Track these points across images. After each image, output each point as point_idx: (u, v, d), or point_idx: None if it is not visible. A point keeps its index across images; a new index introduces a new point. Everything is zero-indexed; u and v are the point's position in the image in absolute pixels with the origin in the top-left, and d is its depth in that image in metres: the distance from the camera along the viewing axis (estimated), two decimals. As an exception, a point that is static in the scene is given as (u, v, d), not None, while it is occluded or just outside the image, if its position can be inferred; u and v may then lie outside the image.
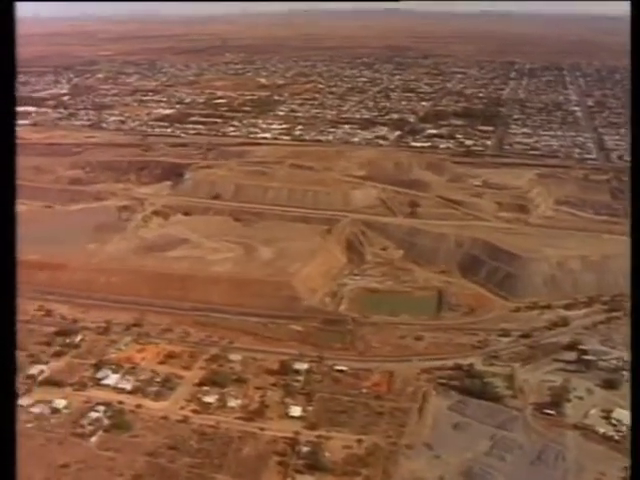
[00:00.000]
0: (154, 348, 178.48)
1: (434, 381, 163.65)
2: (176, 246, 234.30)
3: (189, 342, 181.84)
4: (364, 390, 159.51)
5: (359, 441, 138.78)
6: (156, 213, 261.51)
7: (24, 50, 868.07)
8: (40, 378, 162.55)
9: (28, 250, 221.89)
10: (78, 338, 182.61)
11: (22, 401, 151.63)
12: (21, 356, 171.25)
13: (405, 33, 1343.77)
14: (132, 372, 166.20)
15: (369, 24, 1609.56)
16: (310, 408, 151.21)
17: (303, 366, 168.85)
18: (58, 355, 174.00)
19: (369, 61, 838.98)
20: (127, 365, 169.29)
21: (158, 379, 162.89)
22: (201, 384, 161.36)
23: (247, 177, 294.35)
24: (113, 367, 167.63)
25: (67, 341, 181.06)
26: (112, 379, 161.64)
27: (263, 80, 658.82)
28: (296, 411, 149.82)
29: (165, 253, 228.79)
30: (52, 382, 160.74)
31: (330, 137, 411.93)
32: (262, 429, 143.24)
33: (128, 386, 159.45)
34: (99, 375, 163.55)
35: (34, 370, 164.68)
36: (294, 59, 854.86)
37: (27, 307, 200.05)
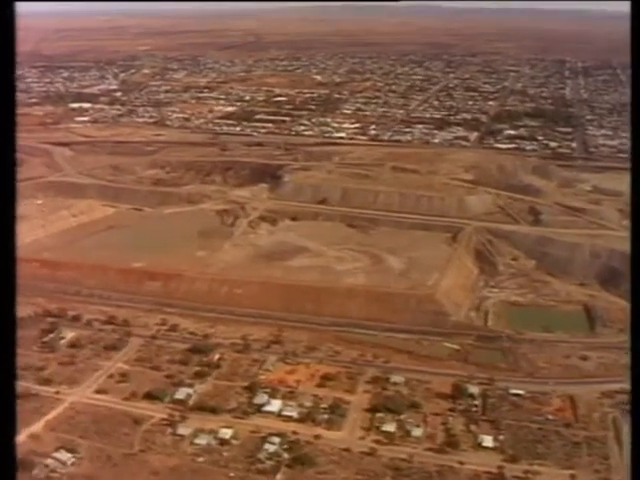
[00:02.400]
0: (305, 369, 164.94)
1: (619, 407, 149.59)
2: (296, 254, 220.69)
3: (341, 362, 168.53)
4: (549, 417, 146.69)
5: (572, 477, 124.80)
6: (262, 218, 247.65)
7: (60, 45, 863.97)
8: (191, 403, 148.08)
9: (132, 257, 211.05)
10: (216, 356, 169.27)
11: (181, 430, 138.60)
12: (159, 377, 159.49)
13: (441, 30, 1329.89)
14: (292, 397, 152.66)
15: (400, 20, 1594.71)
16: (501, 437, 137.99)
17: (475, 389, 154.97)
18: (200, 376, 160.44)
19: (417, 59, 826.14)
20: (283, 389, 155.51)
21: (324, 405, 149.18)
22: (373, 410, 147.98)
23: (351, 180, 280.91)
24: (268, 391, 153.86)
25: (204, 360, 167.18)
26: (274, 405, 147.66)
27: (319, 77, 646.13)
28: (488, 441, 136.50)
29: (286, 262, 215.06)
30: (206, 408, 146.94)
31: (408, 137, 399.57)
32: (461, 463, 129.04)
33: (294, 413, 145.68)
34: (258, 400, 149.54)
35: (181, 394, 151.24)
36: (340, 55, 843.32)
37: (147, 320, 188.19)
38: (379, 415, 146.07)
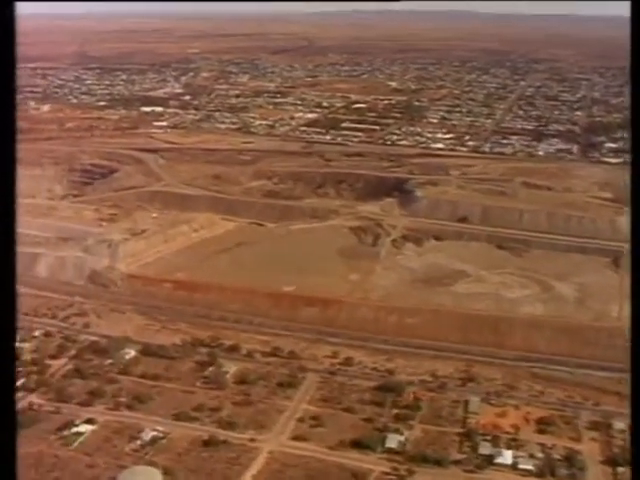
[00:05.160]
0: (515, 411, 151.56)
1: None
2: (456, 279, 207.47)
3: (549, 403, 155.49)
4: None
5: None
6: (405, 237, 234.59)
7: (105, 47, 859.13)
8: (408, 453, 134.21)
9: (276, 279, 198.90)
10: (410, 396, 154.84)
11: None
12: (356, 420, 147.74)
13: (487, 36, 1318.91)
14: (517, 445, 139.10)
15: (440, 26, 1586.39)
16: None
17: None
18: (402, 420, 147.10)
19: (480, 65, 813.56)
20: (503, 435, 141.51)
21: (556, 456, 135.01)
22: (610, 463, 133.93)
23: (487, 197, 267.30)
24: (488, 438, 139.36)
25: (399, 400, 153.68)
26: (506, 457, 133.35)
27: (394, 84, 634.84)
28: None
29: (449, 288, 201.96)
30: (428, 459, 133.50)
31: (509, 149, 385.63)
32: None
33: (529, 466, 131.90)
34: (484, 451, 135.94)
35: (392, 442, 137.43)
36: (399, 61, 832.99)
37: (315, 352, 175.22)
38: (621, 469, 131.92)
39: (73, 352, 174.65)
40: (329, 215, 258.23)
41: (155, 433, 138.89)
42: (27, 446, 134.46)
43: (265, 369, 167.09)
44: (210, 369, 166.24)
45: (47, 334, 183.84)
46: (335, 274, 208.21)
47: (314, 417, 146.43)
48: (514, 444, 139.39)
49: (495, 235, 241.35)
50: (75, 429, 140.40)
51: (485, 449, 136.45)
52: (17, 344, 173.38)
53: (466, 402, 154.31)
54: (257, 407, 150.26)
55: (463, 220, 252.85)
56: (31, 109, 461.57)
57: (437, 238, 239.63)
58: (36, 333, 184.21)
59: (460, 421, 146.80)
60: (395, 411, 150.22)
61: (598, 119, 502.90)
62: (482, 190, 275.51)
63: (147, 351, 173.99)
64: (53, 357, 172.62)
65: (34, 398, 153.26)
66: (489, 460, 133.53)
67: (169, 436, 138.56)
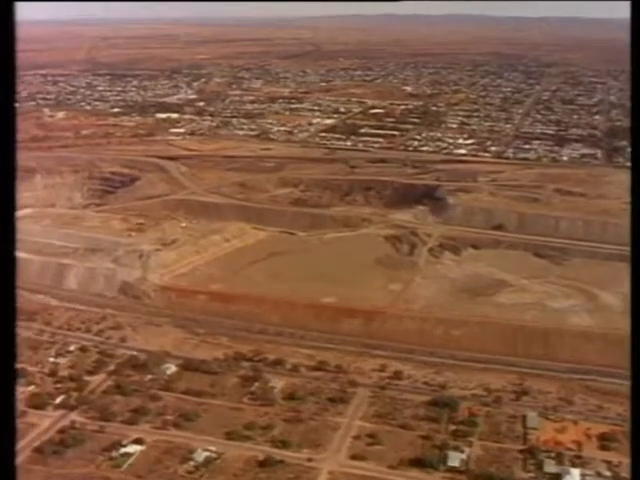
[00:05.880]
0: (574, 427, 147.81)
1: None
2: (498, 289, 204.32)
3: (608, 418, 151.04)
4: None
5: None
6: (442, 246, 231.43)
7: (114, 53, 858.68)
8: (472, 472, 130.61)
9: (316, 290, 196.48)
10: (465, 412, 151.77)
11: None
12: (413, 438, 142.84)
13: (496, 40, 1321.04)
14: (582, 463, 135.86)
15: (447, 30, 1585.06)
16: None
17: None
18: (460, 436, 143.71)
19: (493, 69, 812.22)
20: (566, 452, 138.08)
21: (624, 474, 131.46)
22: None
23: (521, 205, 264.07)
24: (552, 455, 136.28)
25: (454, 415, 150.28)
26: (573, 475, 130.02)
27: (409, 89, 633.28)
28: None
29: (492, 298, 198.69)
30: (495, 479, 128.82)
31: (532, 154, 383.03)
32: None
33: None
34: (550, 469, 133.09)
35: (454, 461, 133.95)
36: (412, 65, 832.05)
37: (362, 366, 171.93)
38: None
39: (112, 367, 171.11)
40: (361, 223, 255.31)
41: (208, 453, 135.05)
42: (75, 467, 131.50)
43: (313, 384, 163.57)
44: (256, 384, 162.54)
45: (83, 349, 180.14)
46: (374, 284, 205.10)
47: (370, 434, 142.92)
48: (579, 462, 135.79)
49: (532, 243, 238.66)
50: (123, 450, 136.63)
51: (551, 467, 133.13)
52: (53, 359, 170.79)
53: (524, 417, 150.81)
54: (309, 424, 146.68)
55: (499, 228, 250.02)
56: (45, 116, 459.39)
57: (474, 246, 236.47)
58: (71, 348, 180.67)
59: (520, 437, 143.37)
60: (452, 427, 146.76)
61: (618, 123, 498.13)
62: (515, 197, 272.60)
63: (188, 366, 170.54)
64: (91, 373, 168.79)
65: (75, 416, 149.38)
66: (556, 479, 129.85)
67: (223, 456, 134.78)
